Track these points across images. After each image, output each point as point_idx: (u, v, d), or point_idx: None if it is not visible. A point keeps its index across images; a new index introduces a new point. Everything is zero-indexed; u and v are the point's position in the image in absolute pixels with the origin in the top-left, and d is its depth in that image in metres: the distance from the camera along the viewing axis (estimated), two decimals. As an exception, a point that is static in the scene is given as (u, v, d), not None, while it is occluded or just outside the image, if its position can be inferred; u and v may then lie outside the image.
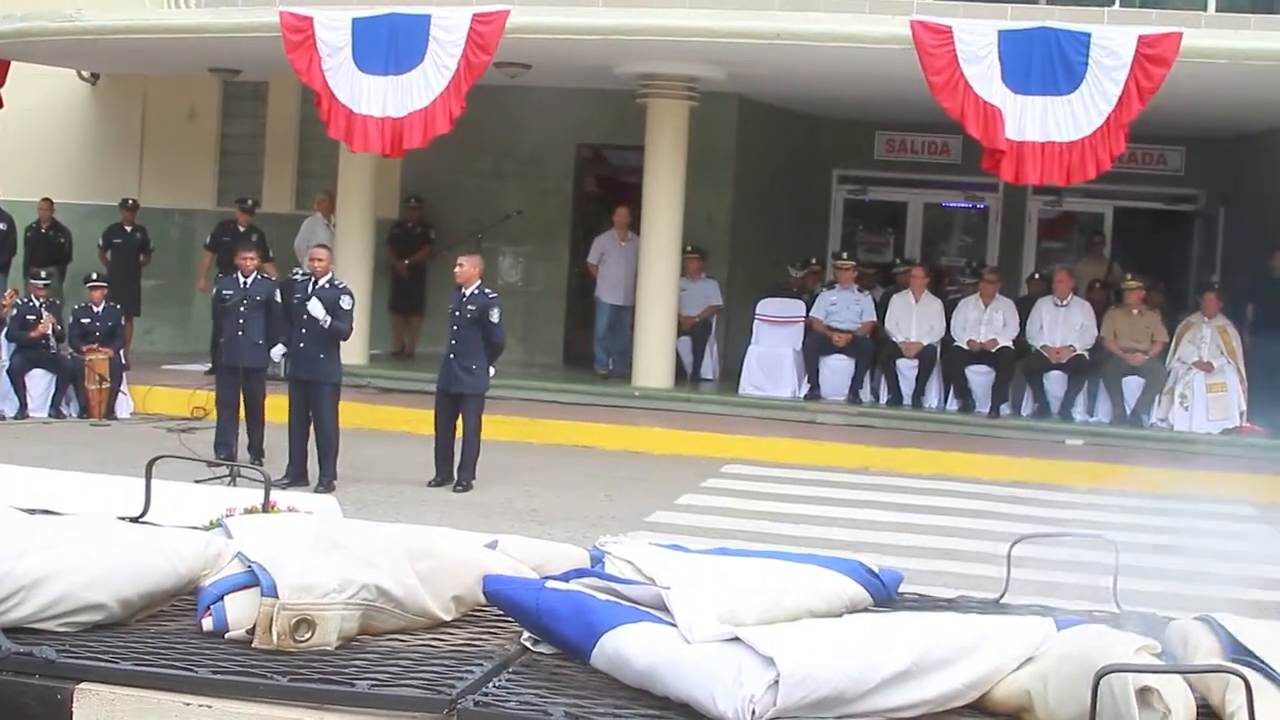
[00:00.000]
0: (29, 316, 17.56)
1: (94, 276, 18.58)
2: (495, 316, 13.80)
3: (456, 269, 13.91)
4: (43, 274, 18.43)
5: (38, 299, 17.84)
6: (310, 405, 13.64)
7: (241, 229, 20.49)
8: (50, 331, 17.55)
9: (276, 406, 14.45)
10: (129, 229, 21.35)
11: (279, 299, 14.75)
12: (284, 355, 14.21)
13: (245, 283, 14.57)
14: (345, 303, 13.68)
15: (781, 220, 21.77)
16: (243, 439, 14.35)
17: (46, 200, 21.70)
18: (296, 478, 13.46)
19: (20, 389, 17.24)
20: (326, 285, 13.72)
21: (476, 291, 13.81)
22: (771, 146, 21.54)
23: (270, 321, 14.56)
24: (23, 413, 17.19)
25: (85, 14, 18.23)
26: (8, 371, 17.35)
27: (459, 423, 13.83)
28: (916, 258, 21.74)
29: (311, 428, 13.64)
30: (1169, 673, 3.54)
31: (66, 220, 21.89)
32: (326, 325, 13.47)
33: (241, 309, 14.39)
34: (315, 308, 13.48)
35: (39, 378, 17.41)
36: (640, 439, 16.82)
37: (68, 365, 17.46)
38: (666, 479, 14.87)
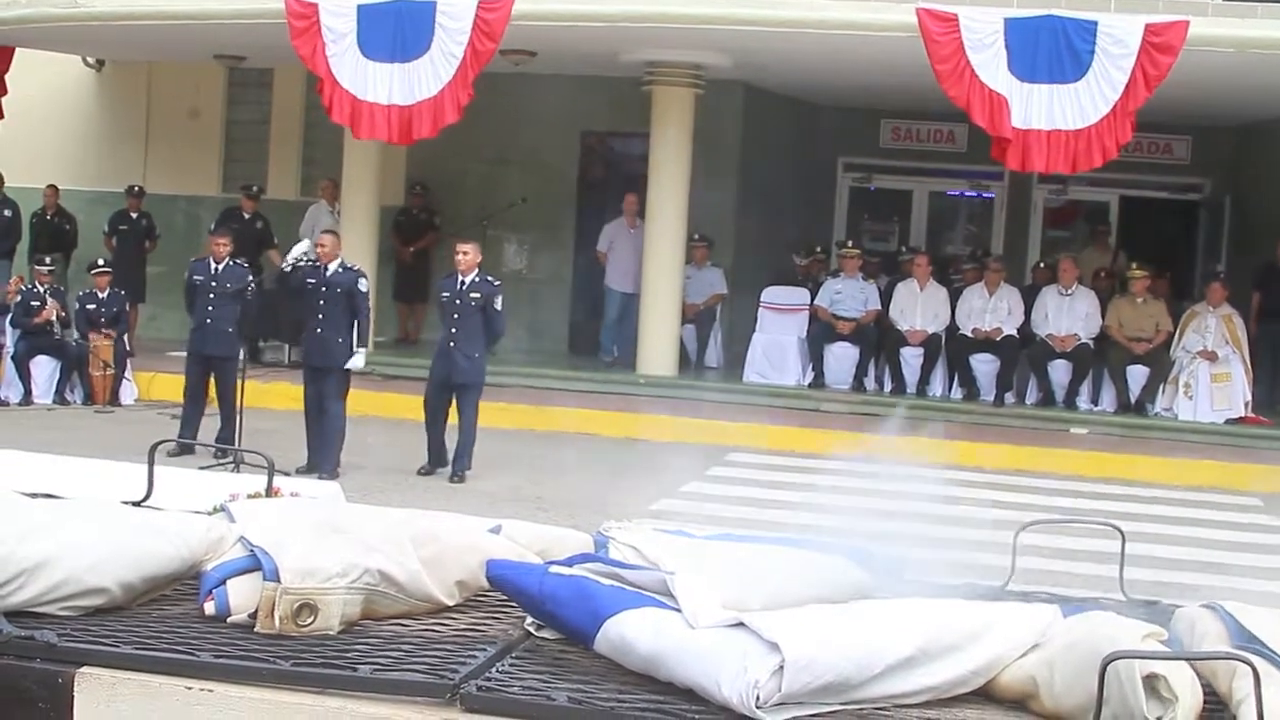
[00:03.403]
0: (34, 303, 17.57)
1: (99, 263, 18.57)
2: (499, 304, 13.80)
3: (461, 256, 13.80)
4: (48, 260, 18.46)
5: (43, 285, 17.86)
6: (320, 390, 13.62)
7: (246, 216, 20.52)
8: (55, 318, 17.56)
9: (291, 395, 14.46)
10: (134, 215, 21.35)
11: (252, 286, 14.66)
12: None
13: (217, 269, 14.44)
14: (363, 285, 13.71)
15: (787, 208, 21.74)
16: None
17: (52, 187, 21.69)
18: (314, 466, 13.40)
19: (25, 375, 17.24)
20: (340, 269, 13.70)
21: (478, 279, 13.77)
22: (777, 134, 21.51)
23: (243, 310, 14.49)
24: (27, 399, 17.20)
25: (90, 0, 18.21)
26: (12, 358, 17.36)
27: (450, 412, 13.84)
28: (921, 246, 21.71)
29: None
30: (1176, 660, 3.52)
31: (72, 207, 21.88)
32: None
33: (211, 295, 14.30)
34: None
35: (44, 364, 17.42)
36: (645, 426, 16.80)
37: (72, 351, 17.47)
38: (671, 466, 14.84)
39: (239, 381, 14.10)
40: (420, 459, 13.82)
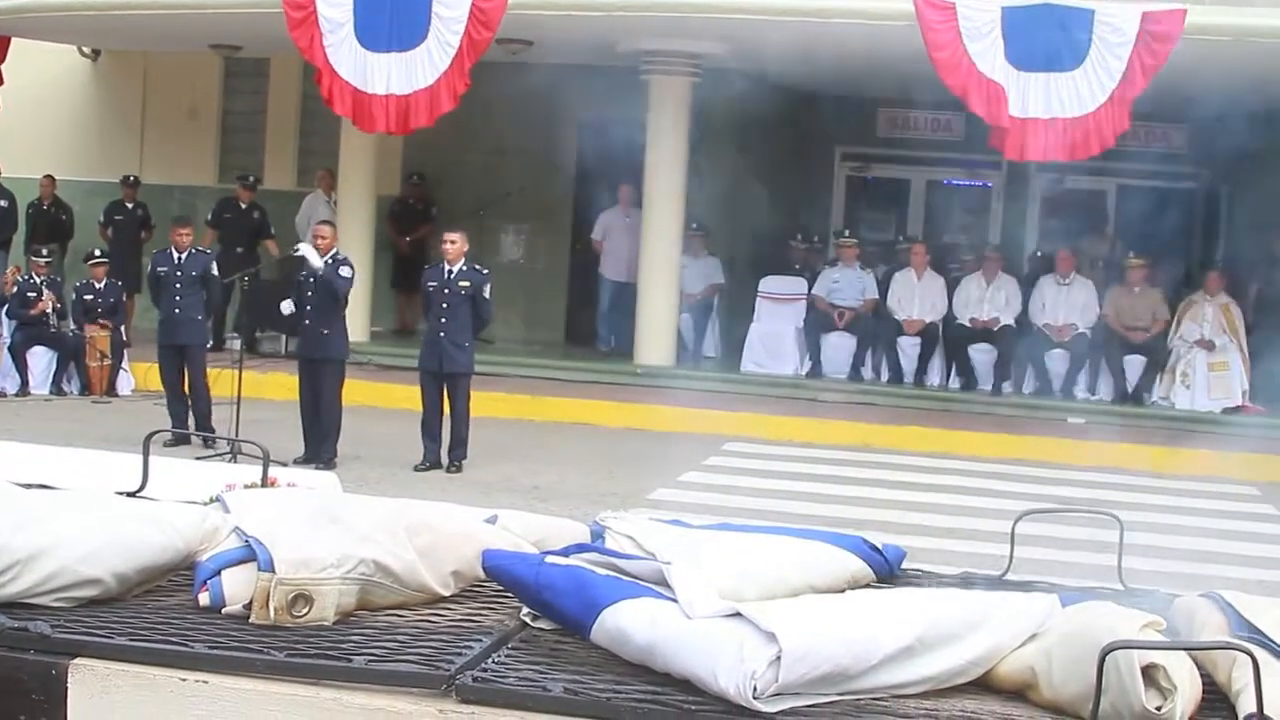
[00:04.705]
0: (30, 294, 17.56)
1: (95, 253, 18.56)
2: (489, 292, 13.80)
3: (448, 245, 13.76)
4: (44, 251, 18.44)
5: (39, 276, 17.85)
6: (315, 381, 13.61)
7: (243, 206, 20.51)
8: (51, 309, 17.55)
9: (289, 386, 14.46)
10: (130, 206, 21.34)
11: (215, 272, 14.72)
12: (291, 312, 14.07)
13: (180, 258, 14.48)
14: (345, 272, 13.66)
15: (784, 198, 21.70)
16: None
17: (48, 177, 21.67)
18: (311, 457, 13.39)
19: (21, 366, 17.24)
20: (329, 260, 13.69)
21: (466, 268, 13.75)
22: (774, 123, 21.43)
23: (209, 297, 14.54)
24: (24, 390, 17.20)
25: (85, -11, 18.20)
26: (9, 348, 17.36)
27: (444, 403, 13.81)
28: (919, 235, 21.69)
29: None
30: (1175, 649, 3.51)
31: (68, 197, 21.87)
32: (316, 262, 13.52)
33: (177, 285, 14.32)
34: (308, 250, 13.58)
35: (40, 355, 17.42)
36: (642, 416, 16.80)
37: (69, 342, 17.46)
38: (668, 456, 14.85)
39: (236, 368, 14.11)
40: (417, 449, 13.79)
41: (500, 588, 4.25)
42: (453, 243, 13.75)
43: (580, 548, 4.29)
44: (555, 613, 4.02)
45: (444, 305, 13.65)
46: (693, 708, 3.49)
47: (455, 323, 13.62)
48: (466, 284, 13.63)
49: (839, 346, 18.99)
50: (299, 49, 16.73)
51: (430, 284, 13.87)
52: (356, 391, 15.48)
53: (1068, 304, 18.40)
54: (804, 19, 16.02)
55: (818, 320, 19.00)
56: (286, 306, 13.93)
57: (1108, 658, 3.30)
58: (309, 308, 13.63)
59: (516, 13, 16.13)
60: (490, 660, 3.75)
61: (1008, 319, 18.49)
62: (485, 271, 14.04)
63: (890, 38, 15.93)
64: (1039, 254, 20.20)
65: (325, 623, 3.96)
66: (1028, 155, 15.84)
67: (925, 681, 3.67)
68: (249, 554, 4.06)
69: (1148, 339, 18.07)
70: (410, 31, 16.25)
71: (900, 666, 3.62)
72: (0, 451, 8.17)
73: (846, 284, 19.14)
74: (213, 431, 13.79)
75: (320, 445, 13.49)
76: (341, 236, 17.06)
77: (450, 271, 13.70)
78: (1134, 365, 18.07)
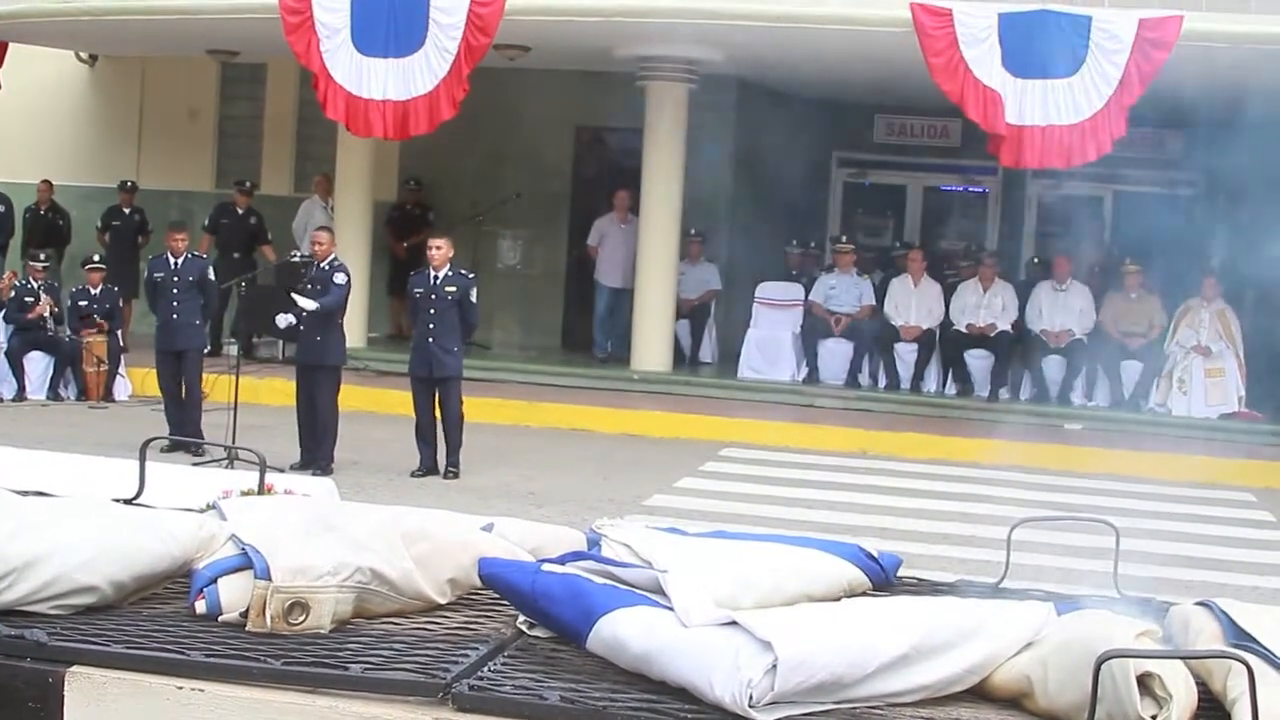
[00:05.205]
0: (27, 298, 17.55)
1: (93, 259, 18.55)
2: (475, 297, 13.83)
3: (434, 251, 13.78)
4: (41, 256, 18.42)
5: (36, 281, 17.83)
6: (311, 387, 13.61)
7: (240, 211, 20.50)
8: (48, 313, 17.54)
9: (285, 391, 14.45)
10: (127, 211, 21.34)
11: (212, 277, 14.73)
12: (288, 325, 14.08)
13: (176, 263, 14.49)
14: (339, 279, 13.65)
15: (781, 204, 21.70)
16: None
17: (46, 182, 21.66)
18: (307, 463, 13.39)
19: (18, 371, 17.23)
20: (325, 266, 13.70)
21: (452, 273, 13.77)
22: (771, 129, 21.45)
23: (206, 301, 14.56)
24: (20, 395, 17.18)
25: (83, -6, 18.19)
26: (5, 353, 17.34)
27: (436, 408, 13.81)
28: (916, 241, 21.69)
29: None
30: (1170, 658, 3.51)
31: (65, 202, 21.86)
32: (313, 308, 13.47)
33: (174, 290, 14.34)
34: (306, 302, 13.52)
35: (37, 360, 17.39)
36: (639, 422, 16.80)
37: (66, 347, 17.44)
38: (665, 462, 14.85)
39: (233, 374, 14.11)
40: (413, 454, 13.78)
41: (496, 596, 4.25)
42: (438, 248, 13.79)
43: (576, 555, 4.29)
44: (551, 621, 4.01)
45: (431, 311, 13.68)
46: (689, 716, 3.49)
47: (443, 328, 13.64)
48: (453, 289, 13.66)
49: (836, 353, 18.99)
50: (295, 54, 16.73)
51: (416, 290, 13.89)
52: (353, 397, 15.47)
53: (1065, 310, 18.40)
54: (801, 26, 16.03)
55: (815, 326, 19.00)
56: (283, 320, 13.93)
57: (1103, 666, 3.30)
58: (303, 314, 13.66)
59: (514, 18, 16.13)
60: (486, 668, 3.75)
61: (1004, 325, 18.48)
62: (471, 276, 14.08)
63: (887, 44, 15.95)
64: (1036, 260, 20.19)
65: (321, 631, 3.96)
66: (1024, 162, 15.84)
67: (921, 690, 3.67)
68: (245, 562, 4.06)
69: (1144, 345, 18.07)
70: (408, 37, 16.25)
71: (896, 675, 3.62)
72: (-3, 457, 8.16)
73: (843, 290, 19.15)
74: (201, 438, 13.76)
75: (317, 451, 13.49)
76: (339, 242, 17.03)
77: (436, 277, 13.72)
78: (1131, 371, 18.07)
